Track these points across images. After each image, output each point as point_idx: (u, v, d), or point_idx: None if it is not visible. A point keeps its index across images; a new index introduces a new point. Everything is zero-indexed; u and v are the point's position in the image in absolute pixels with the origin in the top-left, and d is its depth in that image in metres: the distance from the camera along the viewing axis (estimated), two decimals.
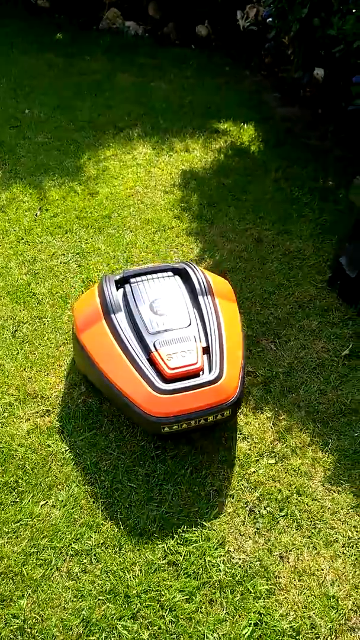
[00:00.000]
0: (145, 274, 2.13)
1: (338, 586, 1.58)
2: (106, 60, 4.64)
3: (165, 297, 2.04)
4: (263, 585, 1.58)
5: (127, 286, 2.09)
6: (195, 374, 1.80)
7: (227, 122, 3.86)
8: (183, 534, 1.67)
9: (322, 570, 1.61)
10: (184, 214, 2.98)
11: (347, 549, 1.66)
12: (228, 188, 3.19)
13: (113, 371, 1.84)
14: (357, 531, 1.70)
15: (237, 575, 1.59)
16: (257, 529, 1.70)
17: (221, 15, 5.10)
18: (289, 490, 1.79)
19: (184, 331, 1.91)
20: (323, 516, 1.73)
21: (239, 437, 1.93)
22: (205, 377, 1.79)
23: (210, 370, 1.82)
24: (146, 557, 1.62)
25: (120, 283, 2.12)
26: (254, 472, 1.84)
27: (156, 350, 1.84)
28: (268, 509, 1.75)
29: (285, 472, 1.84)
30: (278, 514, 1.73)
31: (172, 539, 1.66)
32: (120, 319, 1.94)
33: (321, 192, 3.15)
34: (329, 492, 1.80)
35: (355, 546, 1.66)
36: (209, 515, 1.72)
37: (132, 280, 2.11)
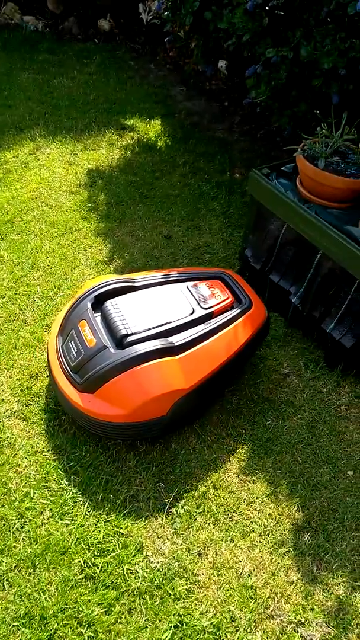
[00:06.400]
0: None
1: (256, 576, 1.61)
2: (4, 58, 4.43)
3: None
4: (182, 586, 1.57)
5: None
6: None
7: (133, 117, 3.81)
8: (100, 545, 1.64)
9: (240, 562, 1.63)
10: (91, 215, 2.91)
11: (263, 537, 1.69)
12: (136, 186, 3.15)
13: None
14: (272, 519, 1.73)
15: (156, 580, 1.58)
16: (175, 529, 1.69)
17: (123, 9, 5.03)
18: (205, 486, 1.80)
19: None
20: (239, 508, 1.76)
21: (153, 438, 1.91)
22: None
23: None
24: (62, 575, 1.57)
25: None
26: (170, 472, 1.83)
27: None
28: (185, 507, 1.74)
29: (201, 468, 1.85)
30: (195, 511, 1.74)
31: (89, 552, 1.62)
32: None
33: (228, 185, 3.19)
34: (244, 483, 1.82)
35: (270, 534, 1.70)
36: (126, 522, 1.69)
37: None
